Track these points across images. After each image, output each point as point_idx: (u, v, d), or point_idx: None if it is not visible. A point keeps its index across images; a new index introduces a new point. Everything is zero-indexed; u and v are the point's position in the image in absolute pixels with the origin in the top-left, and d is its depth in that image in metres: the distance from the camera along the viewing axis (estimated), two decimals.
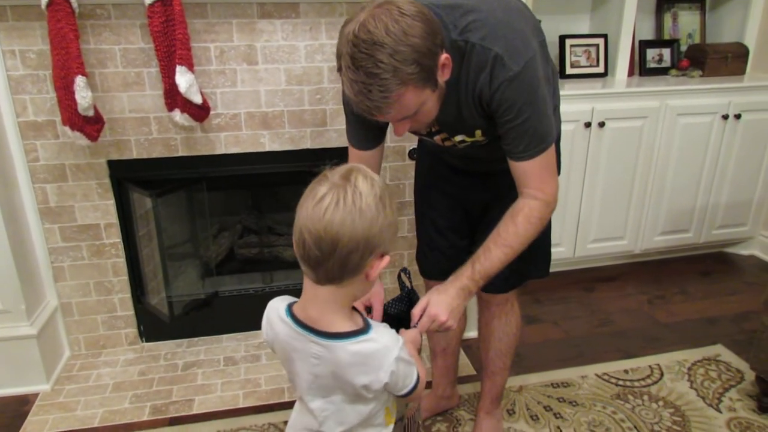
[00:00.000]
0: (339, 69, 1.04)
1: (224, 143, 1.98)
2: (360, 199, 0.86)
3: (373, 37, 0.97)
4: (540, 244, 1.53)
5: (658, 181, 2.61)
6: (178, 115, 1.76)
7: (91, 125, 1.67)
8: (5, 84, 1.76)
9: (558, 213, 2.52)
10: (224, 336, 2.26)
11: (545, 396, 1.92)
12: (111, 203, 1.98)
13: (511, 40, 1.10)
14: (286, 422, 1.19)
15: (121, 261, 2.07)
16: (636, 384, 1.98)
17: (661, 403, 1.89)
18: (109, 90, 1.83)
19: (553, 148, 1.20)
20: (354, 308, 1.02)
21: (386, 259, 0.93)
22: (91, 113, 1.64)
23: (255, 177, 2.11)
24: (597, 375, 2.02)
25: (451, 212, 1.57)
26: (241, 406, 1.88)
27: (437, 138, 1.33)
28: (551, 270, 2.66)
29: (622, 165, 2.54)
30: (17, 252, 1.85)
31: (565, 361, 2.10)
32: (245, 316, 2.23)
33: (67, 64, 1.56)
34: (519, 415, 1.84)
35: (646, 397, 1.91)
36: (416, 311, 1.16)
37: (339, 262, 0.88)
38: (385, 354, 0.94)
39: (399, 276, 1.29)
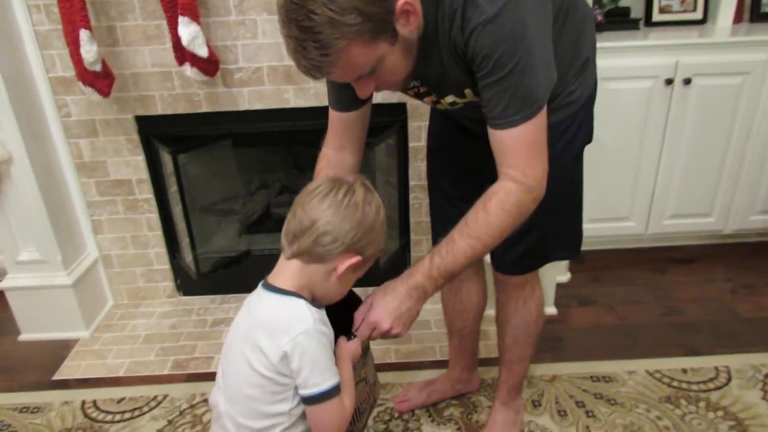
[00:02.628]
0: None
1: (248, 99, 1.90)
2: (351, 196, 0.94)
3: None
4: (567, 218, 1.32)
5: (758, 151, 2.19)
6: (188, 70, 1.69)
7: (101, 80, 1.65)
8: (33, 39, 1.78)
9: (628, 181, 2.22)
10: None
11: (580, 390, 1.71)
12: (141, 159, 1.99)
13: None
14: None
15: (154, 216, 2.09)
16: (693, 387, 1.70)
17: (720, 413, 1.61)
18: (131, 44, 1.80)
19: (541, 118, 0.97)
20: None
21: (356, 258, 0.94)
22: (98, 68, 1.62)
23: (282, 134, 2.02)
24: (648, 372, 1.77)
25: (461, 180, 1.38)
26: None
27: (427, 100, 1.14)
28: (613, 246, 2.39)
29: (713, 130, 2.15)
30: (52, 205, 1.92)
31: (614, 352, 1.86)
32: None
33: (72, 17, 1.53)
34: (545, 408, 1.65)
35: (702, 404, 1.64)
36: (359, 315, 1.03)
37: (312, 239, 0.93)
38: (294, 322, 0.92)
39: None
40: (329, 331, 0.95)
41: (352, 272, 0.97)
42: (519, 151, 0.98)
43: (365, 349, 1.12)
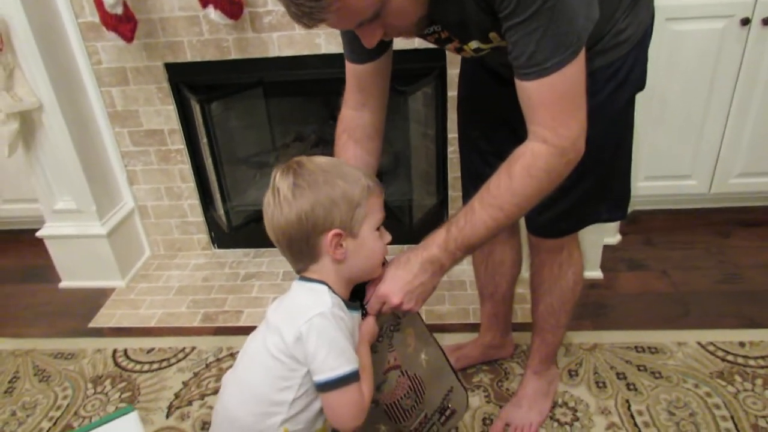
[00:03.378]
0: None
1: (277, 45, 1.81)
2: (278, 194, 0.87)
3: None
4: (612, 175, 1.18)
5: None
6: (212, 12, 1.61)
7: (123, 24, 1.59)
8: None
9: (691, 136, 2.02)
10: None
11: (623, 360, 1.59)
12: (172, 108, 1.95)
13: None
14: None
15: (187, 168, 2.06)
16: (751, 362, 1.55)
17: None
18: None
19: (576, 66, 0.83)
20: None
21: (331, 233, 0.87)
22: (119, 11, 1.56)
23: (314, 83, 1.92)
24: (700, 344, 1.63)
25: (494, 133, 1.25)
26: None
27: (450, 46, 1.01)
28: (670, 207, 2.21)
29: None
30: (86, 154, 1.91)
31: (663, 321, 1.72)
32: None
33: None
34: (582, 379, 1.55)
35: (759, 381, 1.49)
36: (371, 287, 0.96)
37: (289, 253, 0.91)
38: (311, 305, 0.87)
39: None
40: (348, 318, 0.89)
41: (355, 240, 0.89)
42: (549, 106, 0.85)
43: (391, 329, 1.04)
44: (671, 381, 1.52)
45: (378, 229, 0.92)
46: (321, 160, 0.90)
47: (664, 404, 1.46)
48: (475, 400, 1.51)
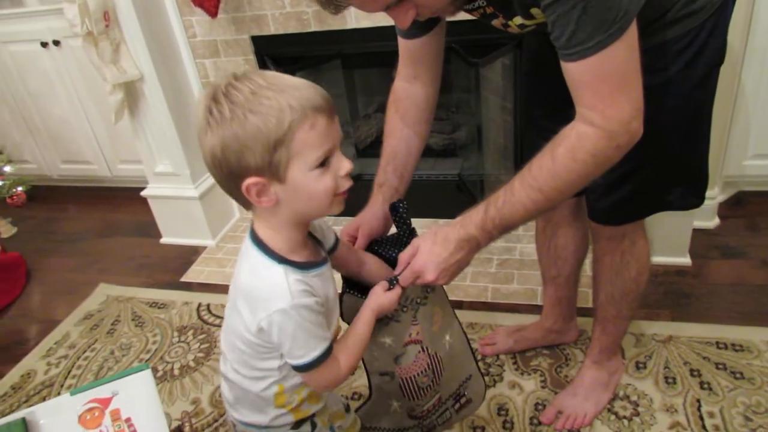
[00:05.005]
0: None
1: (355, 16, 1.82)
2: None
3: None
4: (684, 159, 1.09)
5: None
6: None
7: (208, 0, 1.68)
8: None
9: None
10: None
11: (700, 356, 1.48)
12: None
13: None
14: None
15: None
16: None
17: None
18: None
19: (624, 44, 0.75)
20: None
21: (246, 183, 0.74)
22: None
23: (391, 55, 1.91)
24: None
25: (557, 112, 1.18)
26: None
27: (496, 22, 0.97)
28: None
29: None
30: (182, 122, 2.06)
31: (754, 317, 1.56)
32: None
33: None
34: (649, 372, 1.46)
35: None
36: (404, 257, 0.95)
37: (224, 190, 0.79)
38: (271, 297, 0.78)
39: (396, 209, 1.03)
40: (320, 297, 0.83)
41: (283, 185, 0.75)
42: (595, 87, 0.79)
43: (417, 302, 1.03)
44: (754, 383, 1.39)
45: (323, 163, 0.75)
46: (246, 84, 0.72)
47: (741, 408, 1.34)
48: (530, 384, 1.48)
